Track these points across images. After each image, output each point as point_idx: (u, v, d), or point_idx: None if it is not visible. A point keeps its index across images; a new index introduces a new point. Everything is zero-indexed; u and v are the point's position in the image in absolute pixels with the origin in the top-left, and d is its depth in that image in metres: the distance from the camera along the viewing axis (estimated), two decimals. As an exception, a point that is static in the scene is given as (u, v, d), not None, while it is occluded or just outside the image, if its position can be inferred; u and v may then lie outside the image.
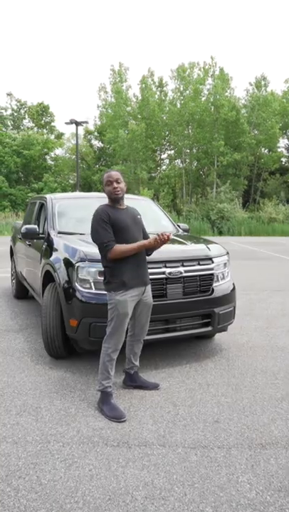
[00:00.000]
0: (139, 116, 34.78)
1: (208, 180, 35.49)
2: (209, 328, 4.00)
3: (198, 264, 3.92)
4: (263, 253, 14.86)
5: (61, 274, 3.90)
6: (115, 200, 3.08)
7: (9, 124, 39.35)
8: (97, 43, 70.63)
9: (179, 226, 5.51)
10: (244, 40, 67.70)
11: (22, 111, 39.86)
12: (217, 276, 4.08)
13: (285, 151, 39.19)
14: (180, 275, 3.78)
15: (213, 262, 4.03)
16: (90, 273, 3.64)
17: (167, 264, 3.76)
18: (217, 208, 28.56)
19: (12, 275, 7.47)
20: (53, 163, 37.67)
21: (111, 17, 72.89)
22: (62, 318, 3.87)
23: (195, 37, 67.88)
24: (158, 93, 36.06)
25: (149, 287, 3.24)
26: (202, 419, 2.95)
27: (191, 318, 3.91)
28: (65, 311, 3.79)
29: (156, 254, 3.71)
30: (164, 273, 3.72)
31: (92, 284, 3.64)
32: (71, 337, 3.80)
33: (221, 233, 27.20)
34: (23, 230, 4.86)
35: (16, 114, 39.80)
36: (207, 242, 4.50)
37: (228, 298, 4.14)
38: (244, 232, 27.50)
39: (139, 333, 3.34)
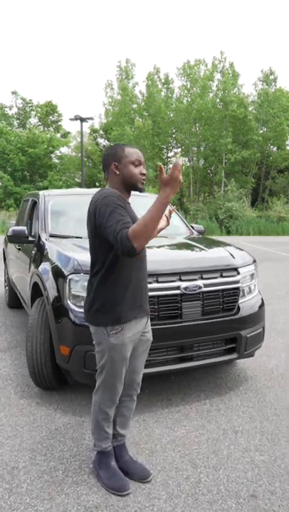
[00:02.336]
0: (146, 114, 34.03)
1: (216, 178, 34.67)
2: (234, 356, 3.23)
3: (221, 276, 3.15)
4: (275, 254, 14.03)
5: (50, 289, 3.15)
6: (135, 189, 2.13)
7: (15, 123, 38.64)
8: (102, 41, 69.88)
9: (192, 227, 4.75)
10: (250, 37, 66.63)
11: (27, 109, 39.13)
12: (243, 290, 3.31)
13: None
14: (198, 290, 3.01)
15: (238, 273, 3.25)
16: (85, 288, 2.88)
17: (182, 277, 2.99)
18: (225, 207, 27.72)
19: (5, 281, 6.74)
20: (58, 161, 36.96)
21: (116, 13, 72.10)
22: (52, 343, 3.12)
23: (200, 33, 66.92)
24: (164, 90, 35.26)
25: (148, 315, 2.33)
26: (233, 492, 2.18)
27: (211, 343, 3.14)
28: (55, 335, 3.03)
29: (168, 265, 2.96)
30: (178, 288, 2.95)
31: (87, 302, 2.88)
32: (62, 367, 3.06)
33: (229, 233, 26.38)
34: (9, 232, 4.12)
35: (21, 112, 39.09)
36: (228, 246, 3.73)
37: (257, 317, 3.37)
38: (253, 231, 26.67)
39: (130, 385, 2.32)
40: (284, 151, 34.98)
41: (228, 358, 3.22)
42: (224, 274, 3.16)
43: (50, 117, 38.69)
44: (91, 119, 23.07)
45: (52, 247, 3.55)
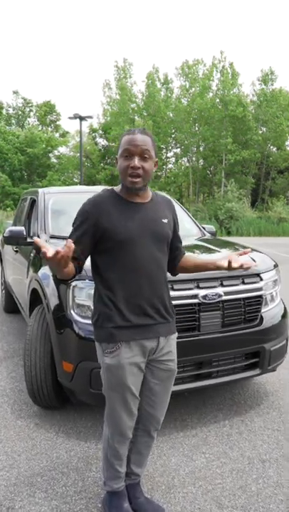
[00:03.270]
0: (145, 114, 33.73)
1: (216, 179, 34.41)
2: (257, 372, 2.89)
3: (243, 283, 2.82)
4: (277, 255, 13.70)
5: (51, 296, 2.81)
6: (130, 190, 1.77)
7: (13, 122, 38.27)
8: (101, 40, 69.58)
9: (204, 228, 4.41)
10: (249, 36, 66.41)
11: (27, 109, 38.76)
12: (266, 298, 2.98)
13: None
14: (218, 299, 2.68)
15: (261, 280, 2.92)
16: (91, 297, 2.54)
17: (200, 284, 2.65)
18: (225, 208, 27.46)
19: (2, 284, 6.39)
20: (57, 161, 36.61)
21: (114, 13, 71.81)
22: (53, 358, 2.78)
23: (199, 32, 66.67)
24: (163, 90, 35.00)
25: (172, 340, 1.90)
26: None
27: (232, 358, 2.80)
28: (57, 349, 2.70)
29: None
30: (196, 296, 2.62)
31: (94, 312, 2.54)
32: (64, 385, 2.72)
33: (229, 233, 26.10)
34: (6, 233, 3.78)
35: (20, 112, 38.72)
36: (247, 249, 3.40)
37: (280, 328, 3.03)
38: (253, 232, 26.43)
39: (148, 420, 1.94)
40: (284, 151, 34.77)
41: (250, 375, 2.89)
42: (246, 281, 2.83)
43: (49, 117, 38.37)
44: (90, 117, 22.73)
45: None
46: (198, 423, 2.86)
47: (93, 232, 1.73)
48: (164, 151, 37.07)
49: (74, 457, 2.47)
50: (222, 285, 2.72)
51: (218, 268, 1.90)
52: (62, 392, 2.87)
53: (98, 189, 4.71)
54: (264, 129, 33.03)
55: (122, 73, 34.91)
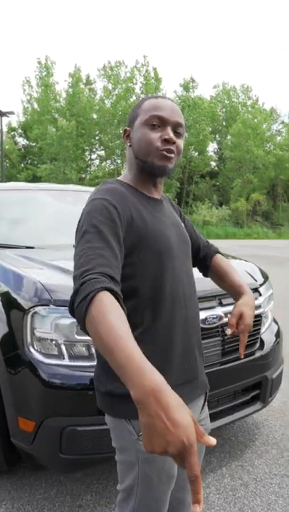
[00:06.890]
0: (68, 114, 32.74)
1: (141, 182, 34.56)
2: (258, 407, 2.40)
3: (242, 301, 2.32)
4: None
5: (-1, 327, 2.09)
6: (151, 168, 1.17)
7: None
8: (19, 35, 66.78)
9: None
10: (172, 43, 67.91)
11: None
12: (263, 317, 2.51)
13: (214, 155, 39.74)
14: (219, 322, 2.15)
15: (260, 295, 2.45)
16: (59, 327, 1.87)
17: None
18: (152, 211, 27.57)
19: None
20: None
21: (35, 9, 69.39)
22: (3, 410, 2.05)
23: (122, 35, 66.84)
24: (86, 91, 34.32)
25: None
26: None
27: (233, 394, 2.29)
28: (9, 400, 1.98)
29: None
30: (193, 321, 2.07)
31: (63, 348, 1.88)
32: (20, 449, 2.01)
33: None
34: None
35: None
36: (233, 258, 2.93)
37: (278, 351, 2.58)
38: (180, 235, 26.80)
39: (177, 510, 1.33)
40: (205, 156, 35.99)
41: (252, 411, 2.38)
42: (246, 298, 2.33)
43: None
44: (12, 113, 21.28)
45: (-6, 262, 2.46)
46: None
47: (126, 238, 1.06)
48: (88, 152, 36.33)
49: None
50: (221, 304, 2.19)
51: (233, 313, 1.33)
52: (14, 451, 2.15)
53: (44, 187, 4.00)
54: (186, 135, 33.86)
55: (44, 71, 33.59)
